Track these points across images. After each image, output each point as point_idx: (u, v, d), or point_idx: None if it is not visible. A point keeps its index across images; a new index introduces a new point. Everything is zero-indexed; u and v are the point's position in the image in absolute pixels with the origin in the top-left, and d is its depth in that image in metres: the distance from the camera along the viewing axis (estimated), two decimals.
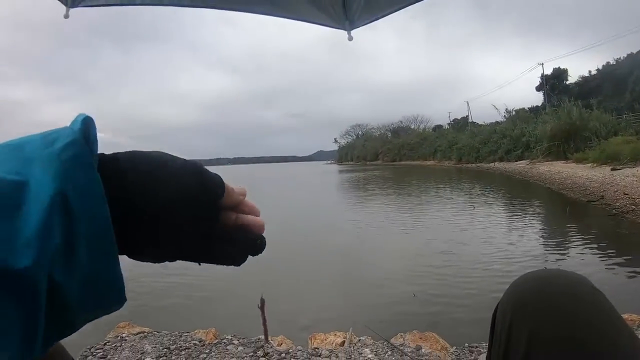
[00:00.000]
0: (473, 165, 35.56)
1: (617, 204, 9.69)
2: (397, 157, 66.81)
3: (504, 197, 14.46)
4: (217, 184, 0.38)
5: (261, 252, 0.42)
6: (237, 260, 0.40)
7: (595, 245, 6.66)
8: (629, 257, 5.89)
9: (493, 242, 7.25)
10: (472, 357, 2.76)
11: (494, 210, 11.36)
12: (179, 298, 5.04)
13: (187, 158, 0.38)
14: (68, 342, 0.45)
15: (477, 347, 2.90)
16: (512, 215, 10.20)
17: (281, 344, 3.13)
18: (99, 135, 0.33)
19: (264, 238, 0.42)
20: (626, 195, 10.03)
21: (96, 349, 2.92)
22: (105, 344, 3.00)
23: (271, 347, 3.02)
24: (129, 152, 0.36)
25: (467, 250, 6.84)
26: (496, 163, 31.02)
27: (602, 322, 0.59)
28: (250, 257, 0.42)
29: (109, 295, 0.32)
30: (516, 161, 28.46)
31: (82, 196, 0.29)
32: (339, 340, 3.10)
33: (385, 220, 10.54)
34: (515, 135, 31.39)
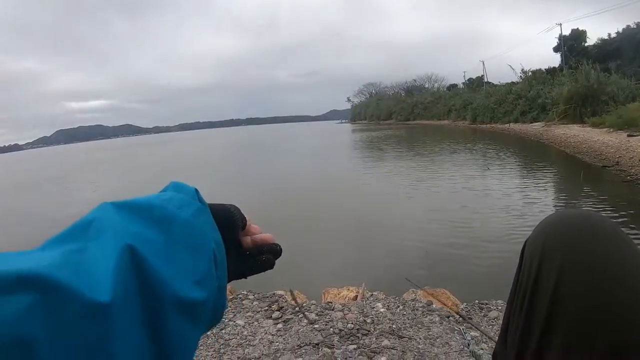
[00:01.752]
0: (487, 125, 34.83)
1: (633, 170, 9.51)
2: (411, 116, 65.48)
3: (519, 159, 14.28)
4: (242, 218, 0.51)
5: (280, 255, 0.54)
6: (269, 266, 0.53)
7: (609, 211, 6.60)
8: None
9: (506, 204, 7.22)
10: (482, 314, 2.81)
11: (508, 172, 11.26)
12: None
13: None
14: None
15: (487, 304, 2.95)
16: (526, 177, 10.10)
17: (295, 298, 3.21)
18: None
19: (279, 244, 0.55)
20: None
21: None
22: None
23: (285, 302, 3.10)
24: (210, 205, 0.46)
25: (480, 211, 6.83)
26: (511, 124, 30.37)
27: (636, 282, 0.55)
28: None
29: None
30: (531, 123, 27.80)
31: (219, 248, 0.42)
32: (352, 295, 3.17)
33: (398, 181, 10.51)
34: (531, 96, 30.46)
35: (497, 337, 2.45)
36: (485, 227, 5.86)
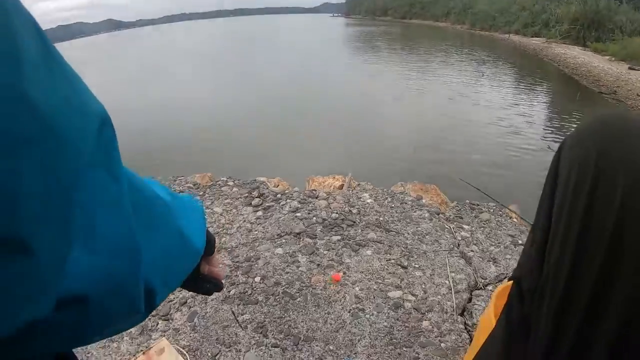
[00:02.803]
0: (487, 33, 33.70)
1: (629, 102, 9.42)
2: (408, 14, 63.66)
3: (515, 71, 13.97)
4: (214, 248, 0.58)
5: (219, 291, 0.63)
6: (210, 292, 0.60)
7: None
8: None
9: (499, 113, 7.02)
10: (473, 214, 2.67)
11: (502, 82, 10.96)
12: (181, 152, 4.90)
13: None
14: None
15: (478, 205, 2.81)
16: (521, 89, 9.87)
17: (277, 185, 3.01)
18: None
19: (223, 283, 0.62)
20: (639, 97, 9.69)
21: None
22: None
23: (267, 189, 2.90)
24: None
25: (472, 117, 6.63)
26: (511, 35, 29.34)
27: None
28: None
29: None
30: (532, 37, 26.95)
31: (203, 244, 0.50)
32: (338, 184, 2.98)
33: (389, 80, 10.10)
34: (535, 10, 29.23)
35: (488, 240, 2.29)
36: (475, 134, 5.69)
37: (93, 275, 0.28)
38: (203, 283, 0.57)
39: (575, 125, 6.76)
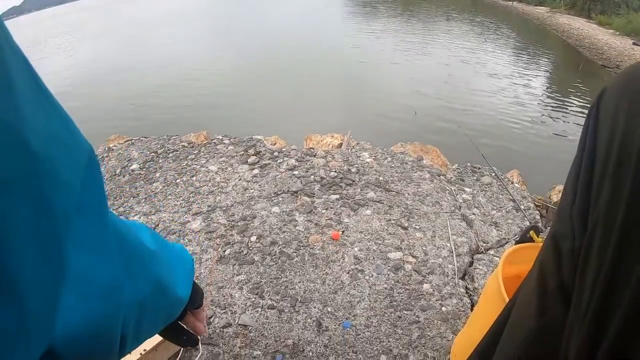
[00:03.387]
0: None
1: None
2: None
3: (518, 38, 13.71)
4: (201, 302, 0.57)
5: (193, 346, 0.72)
6: (183, 345, 0.58)
7: None
8: None
9: (500, 80, 6.87)
10: (475, 178, 2.59)
11: (504, 49, 10.73)
12: (176, 113, 4.73)
13: None
14: None
15: (479, 168, 2.72)
16: (523, 57, 9.67)
17: (275, 143, 2.91)
18: None
19: (199, 339, 0.66)
20: None
21: None
22: None
23: (263, 147, 2.79)
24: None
25: (473, 83, 6.48)
26: (514, 2, 28.64)
27: None
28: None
29: None
30: (535, 6, 26.36)
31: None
32: (336, 142, 2.88)
33: (390, 44, 9.82)
34: None
35: (490, 204, 2.22)
36: (476, 101, 5.56)
37: (80, 318, 0.28)
38: (180, 334, 0.56)
39: (576, 96, 6.67)
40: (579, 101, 6.55)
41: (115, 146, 2.92)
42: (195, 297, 0.54)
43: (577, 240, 0.43)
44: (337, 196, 2.26)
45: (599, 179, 0.42)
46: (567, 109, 6.09)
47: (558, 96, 6.76)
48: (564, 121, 5.38)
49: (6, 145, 0.20)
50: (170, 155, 2.75)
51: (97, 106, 5.78)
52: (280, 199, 2.27)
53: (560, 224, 0.48)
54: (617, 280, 0.38)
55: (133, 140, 3.00)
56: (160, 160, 2.69)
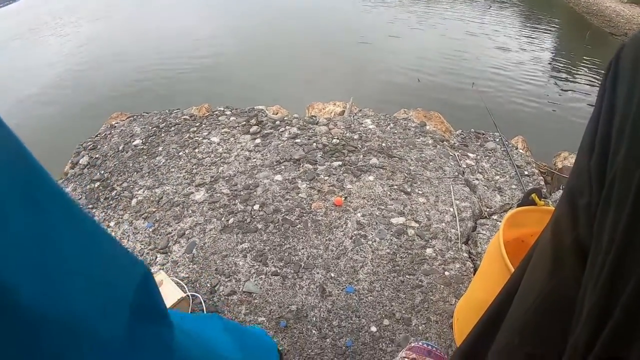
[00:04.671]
0: None
1: None
2: None
3: (522, 4, 13.30)
4: None
5: None
6: None
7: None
8: None
9: (505, 49, 6.71)
10: (479, 143, 2.56)
11: (509, 16, 10.45)
12: (179, 87, 4.67)
13: None
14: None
15: (483, 134, 2.69)
16: (527, 25, 9.42)
17: (277, 112, 2.87)
18: None
19: None
20: None
21: (87, 142, 2.70)
22: (96, 136, 2.77)
23: (265, 116, 2.76)
24: None
25: (477, 51, 6.33)
26: None
27: None
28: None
29: None
30: None
31: None
32: (339, 110, 2.84)
33: (392, 12, 9.56)
34: None
35: (494, 169, 2.20)
36: (481, 68, 5.45)
37: None
38: None
39: (583, 65, 6.51)
40: (585, 70, 6.41)
41: (117, 123, 2.90)
42: None
43: (595, 195, 0.42)
44: (340, 163, 2.25)
45: (617, 133, 0.41)
46: (573, 76, 5.97)
47: (565, 63, 6.60)
48: (570, 89, 5.29)
49: None
50: (172, 129, 2.73)
51: (98, 85, 5.72)
52: (283, 167, 2.26)
53: (576, 178, 0.46)
54: (635, 234, 0.37)
55: (135, 117, 2.98)
56: (163, 135, 2.68)
